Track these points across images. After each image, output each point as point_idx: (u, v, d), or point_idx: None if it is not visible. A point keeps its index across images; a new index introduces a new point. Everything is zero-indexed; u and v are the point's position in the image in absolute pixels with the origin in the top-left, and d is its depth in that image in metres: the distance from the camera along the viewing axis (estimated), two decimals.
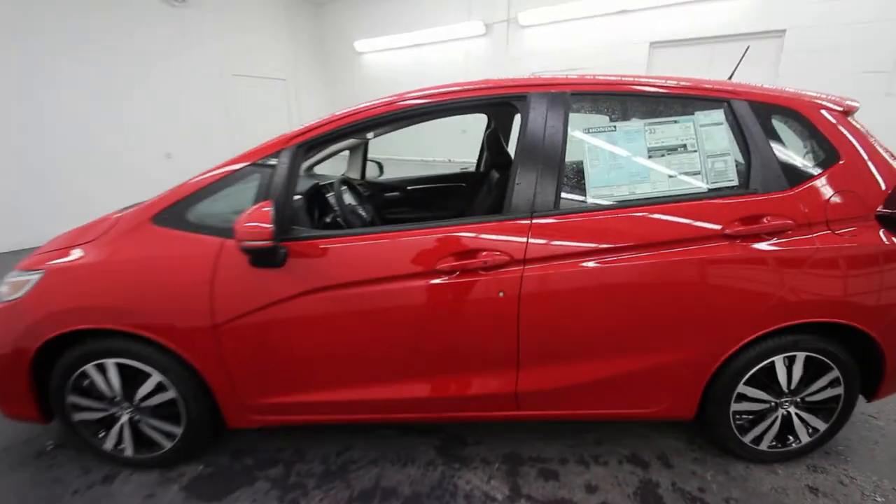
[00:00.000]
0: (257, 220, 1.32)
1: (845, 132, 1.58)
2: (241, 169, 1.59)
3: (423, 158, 6.59)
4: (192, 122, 6.22)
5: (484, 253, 1.46)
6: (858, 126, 1.62)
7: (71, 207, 4.74)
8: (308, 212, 1.82)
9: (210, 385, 1.61)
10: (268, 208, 1.34)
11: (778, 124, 1.59)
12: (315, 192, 1.97)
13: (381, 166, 3.14)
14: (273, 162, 1.53)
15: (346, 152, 2.96)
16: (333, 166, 3.11)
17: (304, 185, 2.08)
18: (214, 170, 1.62)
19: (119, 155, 5.52)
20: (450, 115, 2.03)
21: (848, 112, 1.63)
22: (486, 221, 1.51)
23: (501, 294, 1.47)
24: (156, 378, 1.61)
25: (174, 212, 1.56)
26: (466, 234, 1.49)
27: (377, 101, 1.60)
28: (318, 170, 2.98)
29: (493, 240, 1.48)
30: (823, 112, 1.59)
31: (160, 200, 1.59)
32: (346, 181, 2.08)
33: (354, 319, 1.51)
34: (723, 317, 1.51)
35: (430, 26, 6.56)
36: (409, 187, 2.99)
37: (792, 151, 1.57)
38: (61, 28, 4.91)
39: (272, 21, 7.08)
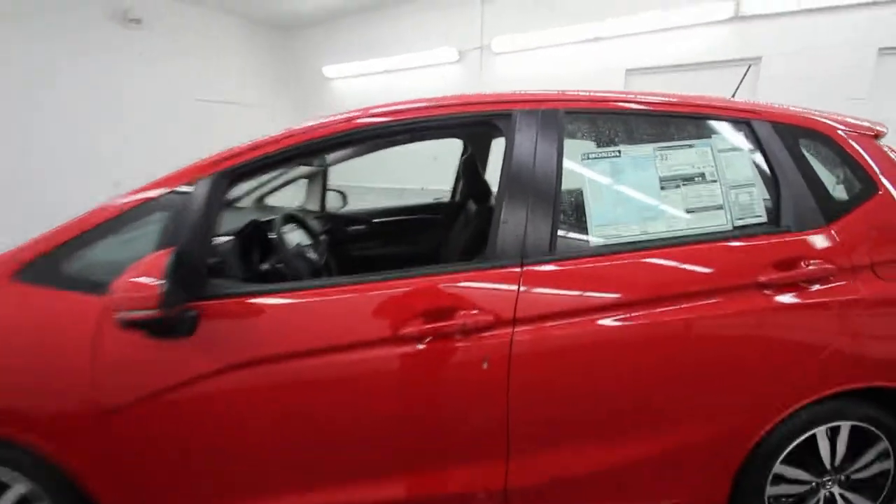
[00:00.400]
0: (142, 278, 0.95)
1: (880, 159, 1.35)
2: (147, 202, 1.22)
3: (394, 186, 6.29)
4: (149, 148, 5.75)
5: (462, 312, 1.13)
6: (889, 151, 1.40)
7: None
8: (243, 257, 1.46)
9: (94, 495, 1.19)
10: (163, 261, 0.97)
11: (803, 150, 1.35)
12: (254, 231, 1.61)
13: (344, 196, 2.80)
14: (186, 194, 1.18)
15: (304, 180, 2.63)
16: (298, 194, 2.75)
17: (243, 220, 1.72)
18: (110, 204, 1.25)
19: (63, 183, 5.00)
20: (421, 138, 1.74)
21: (877, 136, 1.41)
22: (465, 270, 1.19)
23: (485, 365, 1.13)
24: (18, 489, 1.18)
25: (46, 263, 1.17)
26: (439, 287, 1.16)
27: (330, 119, 1.27)
28: (275, 200, 2.63)
29: (474, 294, 1.15)
30: (855, 135, 1.37)
31: (28, 247, 1.20)
32: (292, 216, 1.73)
33: (290, 404, 1.14)
34: (760, 385, 1.22)
35: (402, 52, 6.40)
36: (375, 220, 2.66)
37: (824, 181, 1.32)
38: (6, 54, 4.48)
39: (237, 45, 6.79)
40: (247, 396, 1.12)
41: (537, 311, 1.14)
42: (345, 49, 6.96)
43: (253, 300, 1.15)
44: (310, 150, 1.26)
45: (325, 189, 2.62)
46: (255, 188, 2.48)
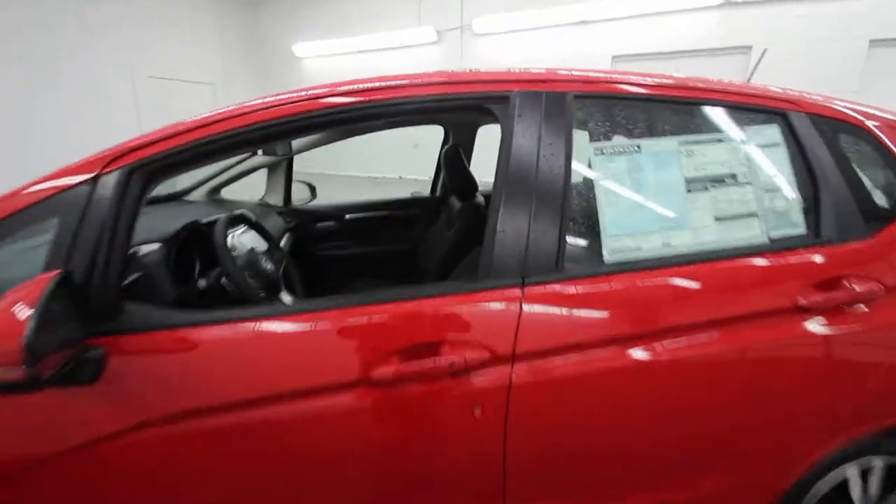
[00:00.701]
0: (4, 323, 0.68)
1: None
2: (40, 203, 0.93)
3: (369, 175, 5.98)
4: (99, 129, 5.21)
5: (448, 347, 0.90)
6: None
7: None
8: (177, 270, 1.18)
9: None
10: (40, 292, 0.70)
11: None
12: (193, 236, 1.32)
13: (312, 188, 2.50)
14: (87, 195, 0.89)
15: (264, 170, 2.32)
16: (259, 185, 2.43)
17: (183, 219, 1.43)
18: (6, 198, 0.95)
19: (5, 171, 4.46)
20: (399, 124, 1.49)
21: None
22: (451, 292, 0.95)
23: (478, 412, 0.91)
24: None
25: None
26: (419, 315, 0.92)
27: (287, 98, 1.00)
28: (235, 193, 2.32)
29: (463, 323, 0.92)
30: (890, 130, 1.19)
31: None
32: (241, 218, 1.44)
33: (228, 470, 0.89)
34: (799, 423, 1.05)
35: (377, 31, 6.03)
36: (347, 216, 2.39)
37: (866, 183, 1.15)
38: None
39: (196, 19, 6.25)
40: (170, 461, 0.87)
41: (542, 343, 0.92)
42: (316, 26, 6.53)
43: (180, 332, 0.89)
44: (257, 137, 0.99)
45: (289, 180, 2.33)
46: (208, 178, 2.17)
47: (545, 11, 4.78)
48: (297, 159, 2.35)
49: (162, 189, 1.99)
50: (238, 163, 2.15)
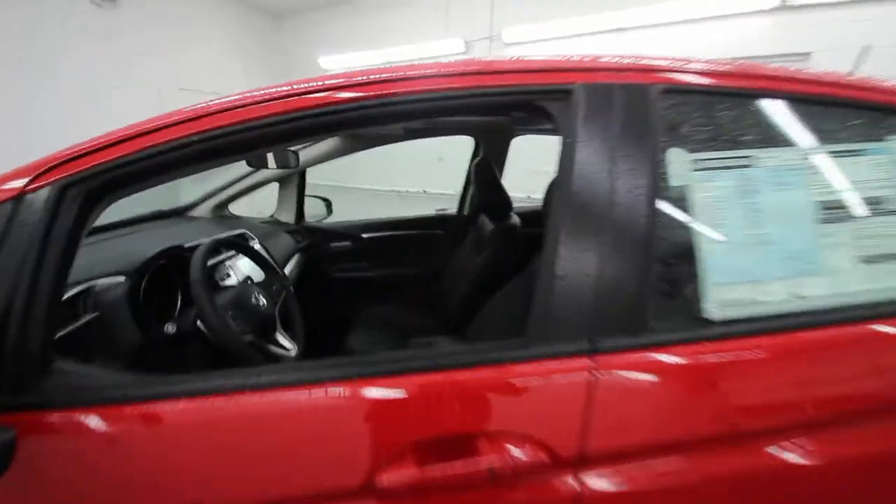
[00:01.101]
0: None
1: None
2: None
3: (392, 188, 5.79)
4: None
5: (487, 443, 0.63)
6: None
7: None
8: (147, 310, 0.95)
9: None
10: None
11: None
12: (172, 265, 1.09)
13: (328, 204, 2.29)
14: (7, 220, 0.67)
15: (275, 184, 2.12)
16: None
17: (173, 241, 1.21)
18: None
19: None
20: (422, 133, 1.26)
21: None
22: (490, 361, 0.68)
23: None
24: None
25: None
26: (444, 394, 0.65)
27: (279, 91, 0.77)
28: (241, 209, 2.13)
29: (508, 408, 0.65)
30: None
31: None
32: (236, 240, 1.20)
33: None
34: None
35: (404, 43, 5.90)
36: (364, 235, 2.15)
37: None
38: None
39: (222, 31, 6.26)
40: None
41: (623, 439, 0.64)
42: (343, 39, 6.46)
43: (124, 407, 0.65)
44: (240, 143, 0.76)
45: (301, 195, 2.12)
46: (215, 191, 1.97)
47: (581, 19, 4.54)
48: (311, 171, 2.14)
49: (161, 203, 1.82)
50: (247, 175, 1.96)
